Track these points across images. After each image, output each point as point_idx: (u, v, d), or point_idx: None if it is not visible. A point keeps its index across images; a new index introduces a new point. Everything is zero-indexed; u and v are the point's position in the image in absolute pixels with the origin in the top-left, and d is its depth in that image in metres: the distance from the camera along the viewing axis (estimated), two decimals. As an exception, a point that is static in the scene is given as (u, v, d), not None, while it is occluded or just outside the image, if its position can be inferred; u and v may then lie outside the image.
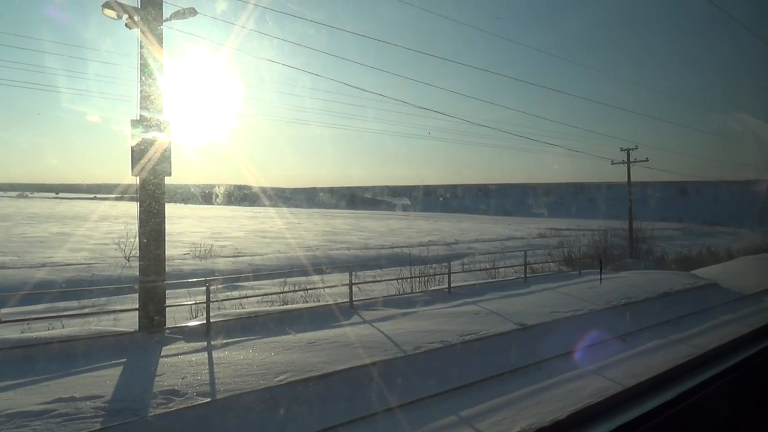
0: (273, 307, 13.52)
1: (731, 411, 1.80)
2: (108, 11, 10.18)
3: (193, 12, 10.96)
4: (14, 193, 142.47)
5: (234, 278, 20.31)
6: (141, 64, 10.40)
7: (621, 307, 14.20)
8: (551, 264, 25.08)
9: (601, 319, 12.88)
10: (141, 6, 10.32)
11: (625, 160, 33.47)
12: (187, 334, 10.62)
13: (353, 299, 13.71)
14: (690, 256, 33.81)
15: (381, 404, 7.76)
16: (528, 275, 19.71)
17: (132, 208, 12.18)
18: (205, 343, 10.07)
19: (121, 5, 10.22)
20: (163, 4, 10.63)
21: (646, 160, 33.54)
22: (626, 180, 33.87)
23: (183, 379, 7.96)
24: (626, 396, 1.57)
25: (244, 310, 13.03)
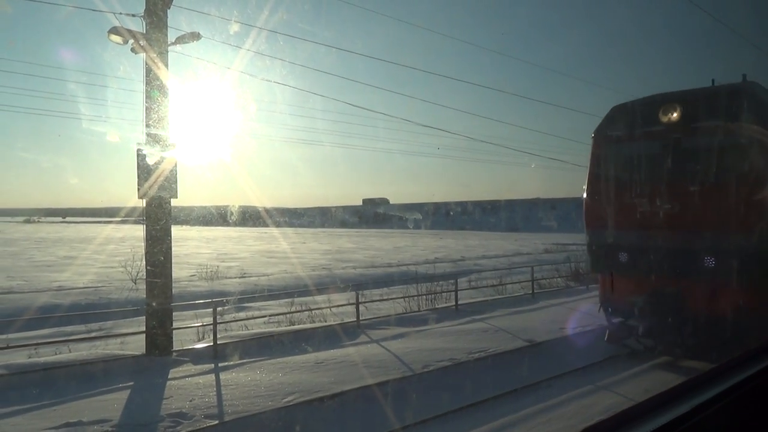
0: (279, 328, 13.46)
1: (744, 424, 1.79)
2: (114, 37, 10.33)
3: (197, 36, 11.11)
4: (21, 218, 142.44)
5: (240, 299, 20.26)
6: (147, 87, 10.53)
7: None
8: (558, 279, 24.91)
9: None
10: (146, 31, 10.47)
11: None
12: (195, 356, 10.59)
13: (360, 318, 13.65)
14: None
15: (388, 425, 7.68)
16: (535, 291, 19.59)
17: (138, 231, 12.22)
18: (213, 365, 10.03)
19: (127, 30, 10.37)
20: (169, 28, 10.79)
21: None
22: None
23: (191, 401, 7.92)
24: (638, 411, 1.56)
25: (251, 331, 12.98)
